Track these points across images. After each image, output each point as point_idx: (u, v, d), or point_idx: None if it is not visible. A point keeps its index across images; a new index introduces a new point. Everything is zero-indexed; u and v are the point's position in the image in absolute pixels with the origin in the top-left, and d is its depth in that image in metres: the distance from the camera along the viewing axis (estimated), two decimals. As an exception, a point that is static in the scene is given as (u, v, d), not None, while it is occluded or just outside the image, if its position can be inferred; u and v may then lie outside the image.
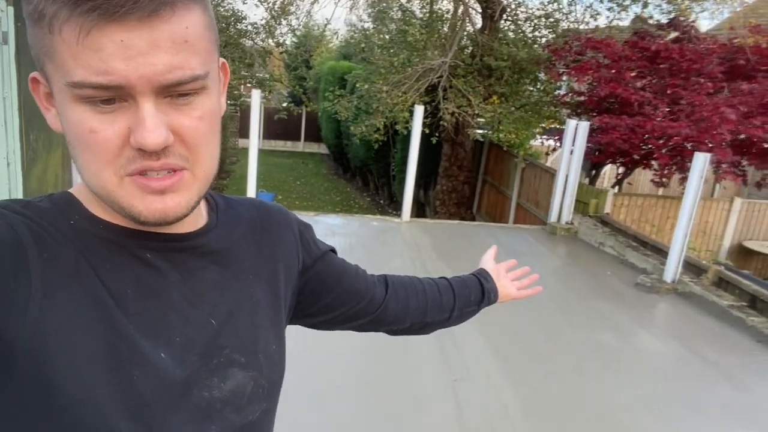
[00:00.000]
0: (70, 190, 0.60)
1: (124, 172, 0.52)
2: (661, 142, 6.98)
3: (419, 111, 6.79)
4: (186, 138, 0.53)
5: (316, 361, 3.47)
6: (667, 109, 6.76)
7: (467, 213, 10.83)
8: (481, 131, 8.82)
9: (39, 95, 0.56)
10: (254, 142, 6.31)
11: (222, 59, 0.60)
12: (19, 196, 4.57)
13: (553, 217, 7.24)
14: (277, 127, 18.24)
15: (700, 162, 5.15)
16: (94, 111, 0.50)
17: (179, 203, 0.55)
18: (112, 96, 0.49)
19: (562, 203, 7.17)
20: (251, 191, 6.38)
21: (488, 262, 1.14)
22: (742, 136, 6.76)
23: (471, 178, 10.76)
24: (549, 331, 4.31)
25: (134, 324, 0.55)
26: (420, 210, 12.44)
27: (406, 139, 7.92)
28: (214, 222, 0.66)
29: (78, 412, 0.52)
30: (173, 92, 0.51)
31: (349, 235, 6.00)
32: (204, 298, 0.62)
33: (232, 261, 0.66)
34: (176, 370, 0.57)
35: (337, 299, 0.85)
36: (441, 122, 8.00)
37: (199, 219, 0.64)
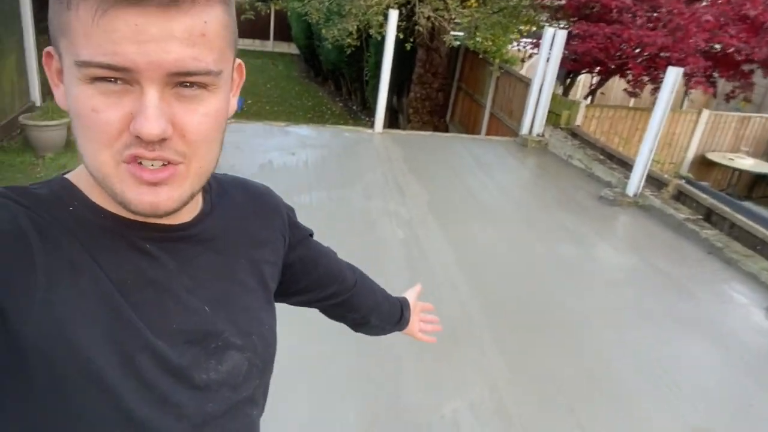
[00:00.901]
0: (67, 176, 0.60)
1: (120, 158, 0.52)
2: (636, 51, 6.89)
3: (393, 16, 6.51)
4: (186, 134, 0.53)
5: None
6: (646, 16, 6.61)
7: (440, 122, 10.74)
8: (458, 35, 8.54)
9: (50, 70, 0.56)
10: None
11: (239, 60, 0.60)
12: (-27, 106, 4.36)
13: (524, 130, 7.26)
14: (245, 25, 17.24)
15: (672, 76, 5.15)
16: (99, 91, 0.50)
17: (171, 197, 0.55)
18: (119, 78, 0.49)
19: (535, 115, 7.16)
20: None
21: (411, 296, 1.21)
22: (717, 46, 6.72)
23: (446, 86, 10.56)
24: (513, 243, 4.49)
25: (136, 312, 0.56)
26: (393, 117, 12.28)
27: (380, 43, 7.63)
28: (209, 207, 0.67)
29: (88, 397, 0.54)
30: (182, 82, 0.51)
31: (320, 147, 5.96)
32: (201, 285, 0.64)
33: (226, 246, 0.68)
34: (176, 356, 0.59)
35: (315, 281, 0.90)
36: (416, 27, 7.70)
37: (195, 206, 0.65)
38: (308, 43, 14.99)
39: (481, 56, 8.99)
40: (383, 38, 6.92)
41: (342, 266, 0.98)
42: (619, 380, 2.99)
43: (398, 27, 7.26)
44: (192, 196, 0.58)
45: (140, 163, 0.52)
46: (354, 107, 13.98)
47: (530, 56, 9.40)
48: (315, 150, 5.84)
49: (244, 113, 11.03)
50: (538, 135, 7.23)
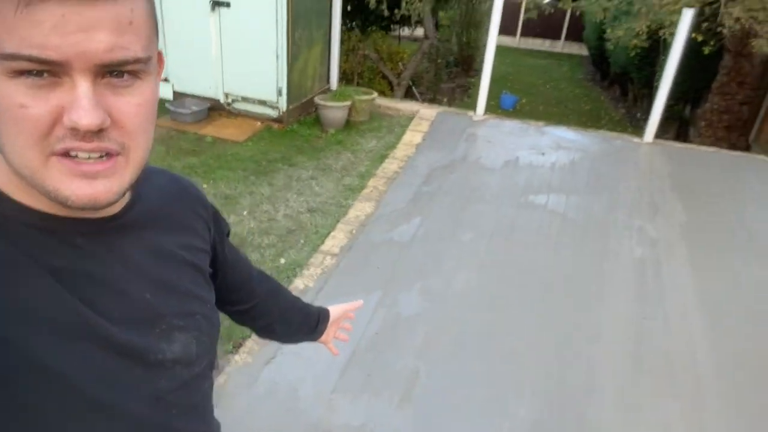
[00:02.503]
0: None
1: (50, 151, 0.51)
2: None
3: (687, 16, 5.77)
4: (125, 124, 0.53)
5: (500, 269, 3.60)
6: None
7: (740, 140, 9.11)
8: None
9: None
10: (492, 41, 6.21)
11: (159, 49, 0.61)
12: (285, 85, 5.42)
13: None
14: (536, 24, 17.21)
15: None
16: (27, 86, 0.48)
17: (110, 189, 0.55)
18: (46, 70, 0.48)
19: None
20: (483, 93, 6.40)
21: (339, 309, 1.21)
22: None
23: (754, 99, 8.89)
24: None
25: (82, 303, 0.58)
26: (682, 129, 10.87)
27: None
28: (137, 196, 0.68)
29: (39, 388, 0.54)
30: (114, 72, 0.51)
31: (575, 150, 5.70)
32: (138, 272, 0.65)
33: (156, 232, 0.70)
34: (126, 341, 0.61)
35: (228, 280, 0.90)
36: (720, 29, 6.66)
37: (124, 197, 0.65)
38: (599, 44, 14.21)
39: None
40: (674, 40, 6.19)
41: (253, 273, 0.99)
42: None
43: (697, 28, 6.40)
44: (130, 187, 0.58)
45: (75, 156, 0.52)
46: (638, 115, 12.79)
47: None
48: (568, 152, 5.62)
49: (514, 112, 11.13)
50: None
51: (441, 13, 11.80)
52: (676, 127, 10.88)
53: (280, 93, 5.45)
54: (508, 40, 18.76)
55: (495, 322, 3.12)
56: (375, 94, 6.16)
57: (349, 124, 5.86)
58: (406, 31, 11.78)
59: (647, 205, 4.67)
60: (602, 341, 3.03)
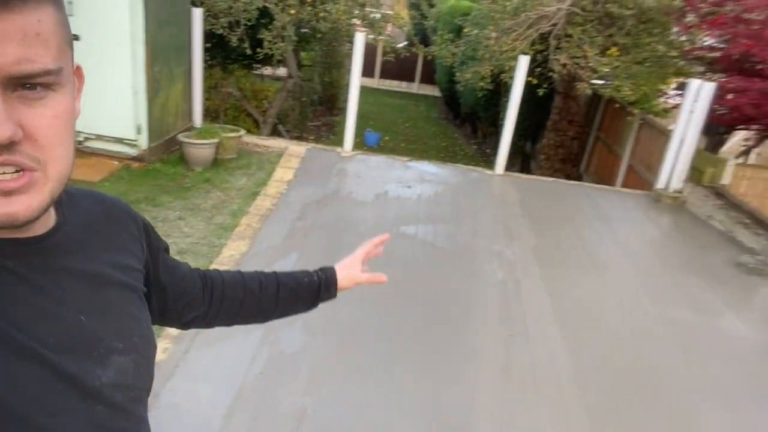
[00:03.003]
0: None
1: None
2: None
3: (523, 62, 6.53)
4: (39, 138, 0.52)
5: (378, 300, 3.72)
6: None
7: (573, 170, 10.37)
8: (596, 83, 8.29)
9: None
10: (355, 82, 6.49)
11: (77, 63, 0.59)
12: (145, 122, 5.16)
13: (661, 184, 6.77)
14: (392, 66, 18.25)
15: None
16: None
17: (30, 206, 0.53)
18: None
19: (673, 169, 6.65)
20: (350, 130, 6.62)
21: (361, 251, 1.15)
22: None
23: (582, 134, 10.22)
24: (622, 301, 4.21)
25: (15, 328, 0.56)
26: (525, 163, 12.09)
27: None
28: (63, 218, 0.66)
29: None
30: (24, 84, 0.50)
31: (437, 183, 6.10)
32: (72, 295, 0.63)
33: (88, 254, 0.68)
34: (61, 367, 0.59)
35: (169, 295, 0.88)
36: (551, 73, 7.62)
37: (50, 218, 0.63)
38: (450, 86, 15.41)
39: (621, 106, 8.62)
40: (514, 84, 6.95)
41: (196, 284, 0.95)
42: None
43: (531, 72, 7.24)
44: (52, 202, 0.57)
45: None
46: (487, 150, 14.00)
47: (674, 107, 8.79)
48: (431, 185, 5.99)
49: (378, 148, 11.59)
50: (675, 191, 6.69)
51: (303, 54, 12.04)
52: (520, 160, 12.08)
53: (139, 130, 5.17)
54: (368, 81, 19.60)
55: (379, 351, 3.19)
56: (242, 132, 6.09)
57: (216, 162, 5.70)
58: (269, 70, 11.83)
59: (503, 231, 5.12)
60: (477, 360, 3.24)
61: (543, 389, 3.05)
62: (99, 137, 5.25)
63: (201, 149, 5.54)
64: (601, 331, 3.74)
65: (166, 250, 0.89)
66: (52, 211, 0.64)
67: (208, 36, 6.81)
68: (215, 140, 5.61)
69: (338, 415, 2.67)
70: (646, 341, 3.68)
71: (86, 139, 5.26)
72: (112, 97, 5.02)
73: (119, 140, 5.24)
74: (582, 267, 4.64)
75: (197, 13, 6.11)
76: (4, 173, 0.50)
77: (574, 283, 4.35)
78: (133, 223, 0.79)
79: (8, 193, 0.51)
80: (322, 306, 3.33)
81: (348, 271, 1.12)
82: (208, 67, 7.85)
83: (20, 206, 0.52)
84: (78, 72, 0.59)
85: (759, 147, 7.59)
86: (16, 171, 0.51)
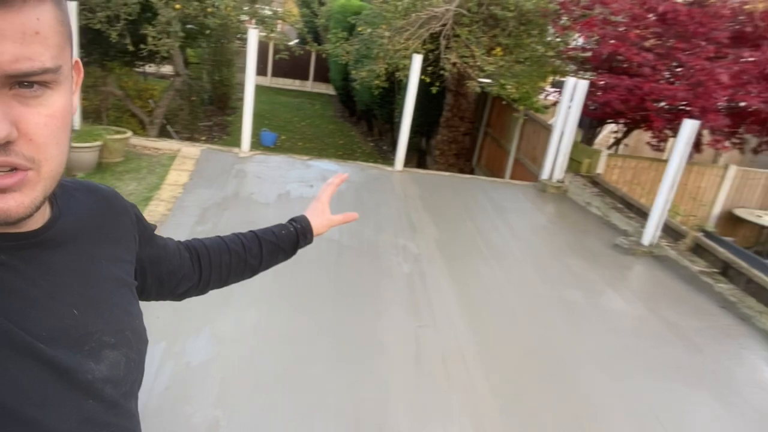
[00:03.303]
0: None
1: None
2: (661, 105, 6.91)
3: (417, 60, 6.74)
4: (34, 137, 0.52)
5: (287, 301, 3.67)
6: (668, 73, 6.66)
7: (466, 165, 10.86)
8: (483, 81, 8.73)
9: None
10: (251, 81, 6.33)
11: (76, 58, 0.59)
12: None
13: (545, 175, 7.29)
14: (285, 65, 18.02)
15: (688, 128, 5.15)
16: None
17: (22, 203, 0.53)
18: None
19: (555, 161, 7.20)
20: (246, 130, 6.44)
21: (319, 200, 1.19)
22: (743, 104, 6.69)
23: (472, 130, 10.73)
24: (518, 285, 4.48)
25: (8, 320, 0.56)
26: (421, 159, 12.47)
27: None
28: (57, 212, 0.66)
29: None
30: (21, 82, 0.50)
31: (339, 181, 6.11)
32: (64, 288, 0.63)
33: (82, 247, 0.68)
34: (54, 360, 0.59)
35: (163, 274, 0.91)
36: (442, 72, 7.92)
37: (44, 212, 0.64)
38: (344, 84, 15.48)
39: (506, 103, 9.15)
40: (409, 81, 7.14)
41: (182, 253, 0.97)
42: (609, 429, 2.92)
43: (424, 71, 7.48)
44: (44, 200, 0.57)
45: None
46: (384, 147, 14.25)
47: (554, 104, 9.50)
48: (333, 184, 5.99)
49: (276, 148, 11.38)
50: (557, 181, 7.24)
51: (190, 51, 11.51)
52: (417, 156, 12.44)
53: (8, 135, 4.68)
54: (261, 80, 19.13)
55: (290, 354, 3.15)
56: (129, 133, 5.73)
57: (101, 167, 5.31)
58: (152, 68, 11.18)
59: (407, 225, 5.25)
60: (387, 353, 3.31)
61: (452, 376, 3.17)
62: None
63: (83, 153, 5.13)
64: (502, 316, 3.96)
65: (154, 230, 0.90)
66: (46, 206, 0.64)
67: (84, 31, 6.30)
68: (98, 143, 5.22)
69: (253, 423, 2.61)
70: (541, 321, 3.96)
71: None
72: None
73: None
74: (481, 256, 4.88)
75: (71, 7, 5.63)
76: None
77: (476, 272, 4.57)
78: (126, 214, 0.79)
79: (2, 191, 0.52)
80: (227, 312, 3.22)
81: (320, 217, 1.16)
82: (84, 64, 7.26)
83: (13, 203, 0.53)
84: (76, 66, 0.59)
85: (626, 138, 8.39)
86: (10, 170, 0.51)
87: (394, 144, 13.76)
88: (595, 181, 7.12)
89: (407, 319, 3.68)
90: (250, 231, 1.09)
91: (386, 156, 13.40)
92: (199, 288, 1.01)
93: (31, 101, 0.51)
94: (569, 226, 6.12)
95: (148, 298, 0.91)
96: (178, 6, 6.87)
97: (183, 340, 3.06)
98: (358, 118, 16.41)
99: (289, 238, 1.11)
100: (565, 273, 4.84)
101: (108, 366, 0.65)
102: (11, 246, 0.59)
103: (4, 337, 0.55)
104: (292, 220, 1.14)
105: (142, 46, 6.82)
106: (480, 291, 4.27)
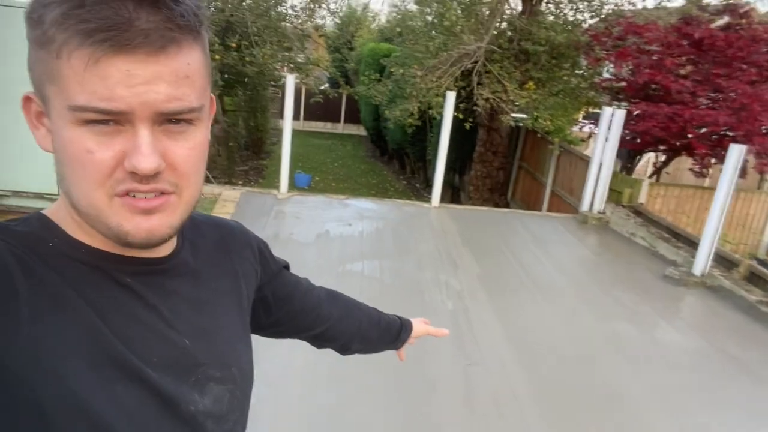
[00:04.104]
0: (44, 212, 0.61)
1: (113, 192, 0.55)
2: (702, 131, 6.78)
3: (450, 97, 6.80)
4: (178, 166, 0.57)
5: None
6: (708, 98, 6.55)
7: (501, 199, 10.78)
8: (517, 116, 8.75)
9: (30, 113, 0.58)
10: (288, 124, 6.48)
11: (211, 95, 0.64)
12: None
13: (585, 206, 7.17)
14: (317, 108, 18.42)
15: (735, 153, 5.01)
16: (93, 133, 0.53)
17: (164, 223, 0.58)
18: (112, 119, 0.52)
19: (595, 192, 7.08)
20: (284, 172, 6.56)
21: (423, 327, 1.23)
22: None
23: (506, 164, 10.69)
24: (566, 319, 4.35)
25: (123, 343, 0.58)
26: (455, 195, 12.44)
27: (441, 123, 7.94)
28: (182, 242, 0.69)
29: (69, 430, 0.54)
30: (170, 120, 0.55)
31: (377, 219, 6.13)
32: (181, 318, 0.65)
33: (202, 280, 0.70)
34: (160, 387, 0.60)
35: (288, 314, 0.92)
36: (475, 108, 7.97)
37: (173, 241, 0.66)
38: (375, 124, 15.74)
39: (540, 135, 9.11)
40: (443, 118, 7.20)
41: (320, 299, 0.99)
42: (676, 469, 2.75)
43: (457, 107, 7.54)
44: (182, 225, 0.61)
45: (133, 196, 0.55)
46: (417, 185, 14.31)
47: (589, 136, 9.42)
48: (372, 222, 6.01)
49: (310, 189, 11.54)
50: (598, 212, 7.10)
51: (226, 99, 11.92)
52: (450, 193, 12.43)
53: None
54: (294, 123, 19.55)
55: (339, 395, 3.09)
56: (173, 179, 5.88)
57: None
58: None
59: (447, 261, 5.20)
60: (437, 393, 3.22)
61: (506, 416, 3.06)
62: (16, 194, 4.90)
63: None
64: (552, 351, 3.83)
65: (287, 267, 0.93)
66: (175, 236, 0.67)
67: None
68: None
69: (306, 465, 2.55)
70: (594, 356, 3.81)
71: (2, 195, 4.90)
72: (34, 151, 4.71)
73: (39, 195, 4.91)
74: (525, 290, 4.77)
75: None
76: (146, 196, 0.56)
77: (521, 307, 4.46)
78: (248, 249, 0.81)
79: (149, 212, 0.57)
80: (275, 354, 3.18)
81: (418, 324, 1.20)
82: None
83: (157, 223, 0.57)
84: (211, 101, 0.64)
85: (667, 166, 8.22)
86: (156, 194, 0.57)
87: (427, 181, 13.83)
88: (638, 211, 6.95)
89: (455, 357, 3.59)
90: (375, 309, 1.13)
91: (419, 194, 13.42)
92: (315, 341, 1.04)
93: (177, 136, 0.56)
94: (615, 257, 5.96)
95: (283, 334, 0.95)
96: (217, 57, 7.15)
97: (232, 382, 3.05)
98: (389, 158, 16.58)
99: (393, 330, 1.15)
100: (614, 306, 4.68)
101: (212, 400, 0.66)
102: (136, 270, 0.62)
103: (116, 359, 0.56)
104: (397, 316, 1.18)
105: (183, 95, 7.07)
106: (527, 326, 4.16)
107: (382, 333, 1.11)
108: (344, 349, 1.09)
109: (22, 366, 0.51)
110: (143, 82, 0.52)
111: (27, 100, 0.58)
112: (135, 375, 0.58)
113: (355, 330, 1.06)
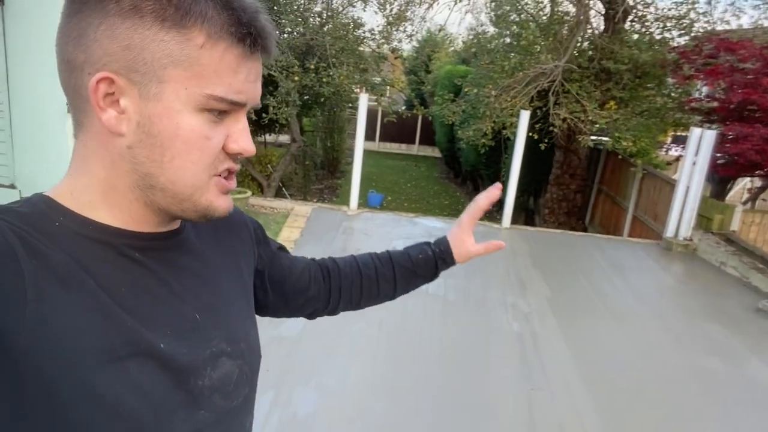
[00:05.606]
0: (46, 193, 0.60)
1: (213, 172, 0.60)
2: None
3: (524, 117, 6.65)
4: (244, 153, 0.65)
5: (393, 356, 3.59)
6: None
7: (578, 224, 10.35)
8: (596, 137, 8.41)
9: (97, 94, 0.55)
10: (360, 141, 6.57)
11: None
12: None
13: (669, 232, 6.73)
14: (392, 129, 18.67)
15: None
16: (209, 120, 0.58)
17: (231, 201, 0.65)
18: (228, 110, 0.59)
19: (681, 218, 6.63)
20: (355, 189, 6.65)
21: (460, 225, 1.03)
22: None
23: (584, 187, 10.28)
24: (644, 349, 4.05)
25: (134, 318, 0.58)
26: (529, 218, 12.09)
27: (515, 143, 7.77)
28: (183, 222, 0.69)
29: (84, 408, 0.54)
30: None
31: (445, 238, 6.05)
32: (191, 292, 0.66)
33: (207, 257, 0.71)
34: (173, 361, 0.60)
35: (288, 294, 0.91)
36: (551, 128, 7.75)
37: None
38: (449, 146, 15.70)
39: (622, 157, 8.70)
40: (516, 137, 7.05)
41: (311, 271, 0.95)
42: None
43: (532, 128, 7.37)
44: None
45: (226, 177, 0.62)
46: (491, 207, 14.07)
47: (677, 159, 8.87)
48: (439, 241, 5.94)
49: (382, 208, 11.64)
50: (685, 239, 6.63)
51: (305, 119, 12.33)
52: (524, 216, 12.10)
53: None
54: (369, 144, 19.96)
55: (395, 410, 3.03)
56: (249, 193, 6.12)
57: (223, 224, 5.69)
58: (271, 137, 12.06)
59: (516, 283, 5.02)
60: (499, 417, 3.08)
61: (572, 446, 2.87)
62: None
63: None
64: (626, 383, 3.57)
65: (281, 248, 0.92)
66: None
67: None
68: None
69: (357, 479, 2.50)
70: (674, 391, 3.51)
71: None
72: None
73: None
74: (599, 316, 4.51)
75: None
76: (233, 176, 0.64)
77: (593, 334, 4.21)
78: (244, 229, 0.82)
79: (228, 191, 0.63)
80: (333, 365, 3.21)
81: (460, 247, 1.02)
82: None
83: (231, 202, 0.64)
84: None
85: (765, 192, 7.58)
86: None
87: (500, 204, 13.55)
88: (729, 239, 6.43)
89: (518, 381, 3.43)
90: (386, 252, 1.04)
91: (492, 216, 13.16)
92: (328, 310, 1.00)
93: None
94: (702, 287, 5.53)
95: (275, 315, 0.93)
96: (296, 78, 7.43)
97: (289, 391, 3.07)
98: (463, 180, 16.44)
99: (426, 263, 1.02)
100: (699, 338, 4.32)
101: (221, 374, 0.66)
102: (146, 245, 0.63)
103: (128, 336, 0.57)
104: (434, 242, 1.03)
105: (264, 115, 7.40)
106: (599, 354, 3.91)
107: (402, 281, 1.01)
108: (355, 306, 1.02)
109: (31, 347, 0.50)
110: (256, 79, 0.60)
111: (105, 80, 0.55)
112: (147, 350, 0.58)
113: (357, 296, 1.00)
